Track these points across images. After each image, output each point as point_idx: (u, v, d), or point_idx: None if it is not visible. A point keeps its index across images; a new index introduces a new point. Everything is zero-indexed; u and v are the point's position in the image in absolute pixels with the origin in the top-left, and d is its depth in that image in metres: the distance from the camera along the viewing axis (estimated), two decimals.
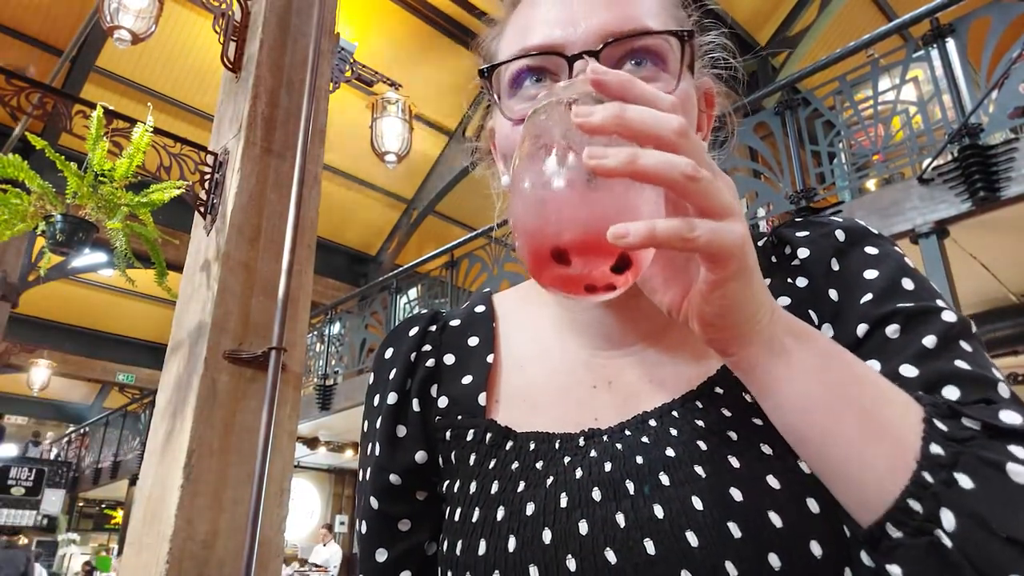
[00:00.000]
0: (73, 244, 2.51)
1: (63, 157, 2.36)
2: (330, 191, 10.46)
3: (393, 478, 0.60)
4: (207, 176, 2.77)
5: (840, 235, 0.55)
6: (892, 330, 0.49)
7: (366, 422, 0.65)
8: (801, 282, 0.55)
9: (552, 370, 0.60)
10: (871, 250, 0.54)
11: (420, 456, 0.60)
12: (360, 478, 0.65)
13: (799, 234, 0.57)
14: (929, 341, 0.47)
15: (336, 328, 8.96)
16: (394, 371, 0.64)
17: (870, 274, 0.52)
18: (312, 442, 10.13)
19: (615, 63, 0.52)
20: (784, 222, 0.61)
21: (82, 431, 15.44)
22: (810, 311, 0.54)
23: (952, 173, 4.06)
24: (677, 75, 0.53)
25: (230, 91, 2.96)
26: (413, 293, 8.38)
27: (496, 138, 0.60)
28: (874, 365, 0.48)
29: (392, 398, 0.62)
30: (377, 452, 0.62)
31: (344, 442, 10.64)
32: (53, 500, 14.19)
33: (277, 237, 2.64)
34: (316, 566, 9.78)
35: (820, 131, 4.94)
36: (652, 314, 0.56)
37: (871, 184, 5.24)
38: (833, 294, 0.53)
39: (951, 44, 4.35)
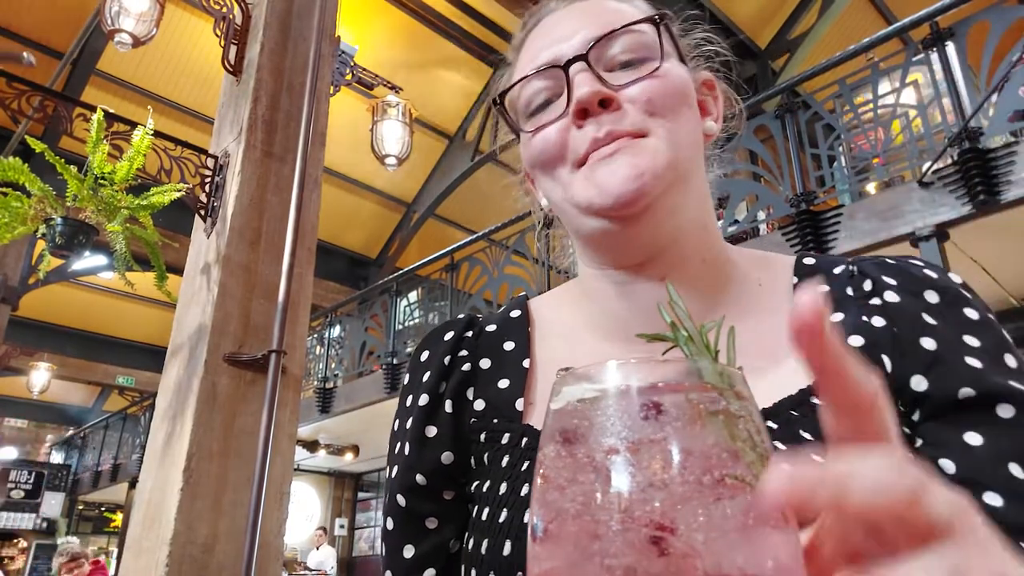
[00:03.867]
0: (73, 247, 2.52)
1: (63, 160, 2.36)
2: (330, 194, 10.47)
3: (420, 478, 0.62)
4: (207, 179, 2.77)
5: (932, 296, 0.55)
6: (1004, 410, 0.48)
7: (397, 421, 0.67)
8: (878, 322, 0.55)
9: None
10: (971, 314, 0.54)
11: (447, 457, 0.62)
12: (389, 475, 0.66)
13: (887, 279, 0.57)
14: None
15: (336, 331, 8.96)
16: (428, 374, 0.66)
17: (971, 340, 0.52)
18: (312, 445, 10.12)
19: (607, 69, 0.56)
20: (869, 258, 0.61)
21: (82, 434, 15.42)
22: (883, 355, 0.53)
23: (952, 176, 4.06)
24: (659, 58, 0.56)
25: (231, 94, 2.97)
26: (413, 296, 8.37)
27: (524, 160, 0.63)
28: (975, 437, 0.48)
29: (424, 400, 0.64)
30: (406, 451, 0.63)
31: (344, 445, 10.62)
32: (52, 503, 14.17)
33: (277, 240, 2.64)
34: (311, 570, 9.80)
35: (820, 134, 4.95)
36: (695, 310, 0.54)
37: (871, 187, 5.24)
38: (928, 343, 0.52)
39: (951, 48, 4.35)
